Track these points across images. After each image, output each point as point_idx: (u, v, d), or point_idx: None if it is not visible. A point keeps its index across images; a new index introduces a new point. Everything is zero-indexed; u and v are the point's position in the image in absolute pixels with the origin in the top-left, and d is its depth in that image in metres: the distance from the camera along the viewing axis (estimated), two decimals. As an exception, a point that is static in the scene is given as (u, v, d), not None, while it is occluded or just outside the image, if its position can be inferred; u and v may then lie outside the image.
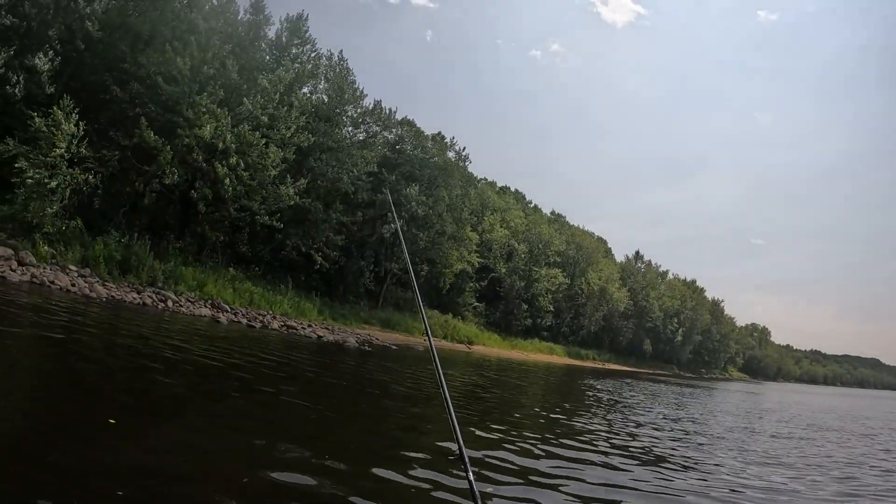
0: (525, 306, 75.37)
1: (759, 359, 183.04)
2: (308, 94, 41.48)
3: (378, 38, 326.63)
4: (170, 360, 13.01)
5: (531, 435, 12.14)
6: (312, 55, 42.88)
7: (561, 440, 12.20)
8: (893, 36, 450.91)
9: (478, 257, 65.38)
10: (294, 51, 41.37)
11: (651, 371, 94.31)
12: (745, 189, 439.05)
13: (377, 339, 37.73)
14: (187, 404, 9.69)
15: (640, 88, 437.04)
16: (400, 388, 17.77)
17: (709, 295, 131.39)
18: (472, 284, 67.73)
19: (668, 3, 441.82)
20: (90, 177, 26.27)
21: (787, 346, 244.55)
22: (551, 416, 17.38)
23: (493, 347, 61.96)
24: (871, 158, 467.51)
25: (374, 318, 45.83)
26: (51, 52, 28.03)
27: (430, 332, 5.62)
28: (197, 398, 10.44)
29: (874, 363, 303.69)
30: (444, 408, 4.33)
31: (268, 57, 38.01)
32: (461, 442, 4.00)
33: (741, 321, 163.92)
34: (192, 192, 31.10)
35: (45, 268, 22.79)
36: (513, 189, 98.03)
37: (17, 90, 26.63)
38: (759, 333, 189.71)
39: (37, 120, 24.53)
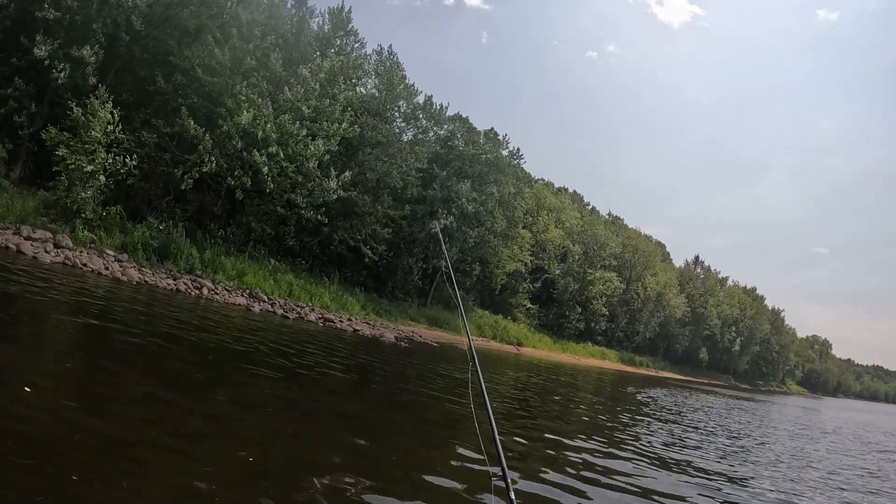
0: (579, 309, 74.39)
1: (819, 372, 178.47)
2: (353, 87, 41.02)
3: (433, 41, 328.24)
4: (154, 339, 12.55)
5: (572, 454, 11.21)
6: (356, 46, 42.74)
7: (604, 462, 11.30)
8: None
9: (531, 257, 64.58)
10: (338, 42, 41.23)
11: (707, 381, 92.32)
12: (807, 195, 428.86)
13: (420, 336, 37.09)
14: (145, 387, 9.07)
15: (697, 89, 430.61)
16: (409, 385, 17.10)
17: (769, 304, 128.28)
18: (525, 285, 67.01)
19: (725, 3, 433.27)
20: (127, 158, 26.20)
21: (849, 360, 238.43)
22: (597, 427, 16.60)
23: (543, 350, 60.96)
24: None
25: (421, 316, 45.28)
26: (96, 45, 28.61)
27: (468, 333, 5.05)
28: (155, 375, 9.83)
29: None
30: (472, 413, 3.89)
31: (310, 49, 37.81)
32: (504, 464, 3.64)
33: (801, 332, 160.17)
34: (230, 179, 30.84)
35: (80, 251, 22.73)
36: (570, 190, 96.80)
37: (60, 77, 27.36)
38: (819, 346, 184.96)
39: (75, 109, 24.80)
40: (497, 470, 3.63)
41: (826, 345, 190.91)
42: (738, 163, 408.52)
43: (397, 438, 9.72)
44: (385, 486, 6.63)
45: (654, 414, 23.34)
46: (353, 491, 6.12)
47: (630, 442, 13.74)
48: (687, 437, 16.69)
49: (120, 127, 26.35)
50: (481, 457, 7.80)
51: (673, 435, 16.89)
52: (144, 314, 16.02)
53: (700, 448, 14.89)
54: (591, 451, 11.35)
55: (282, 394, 10.74)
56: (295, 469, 6.62)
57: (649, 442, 14.25)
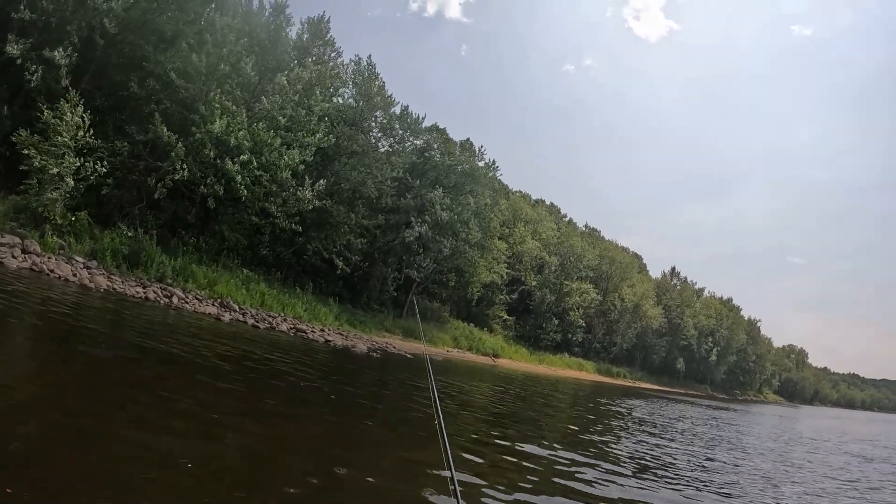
0: (555, 320, 74.47)
1: (796, 381, 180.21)
2: (330, 97, 41.00)
3: (413, 52, 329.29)
4: (103, 344, 12.43)
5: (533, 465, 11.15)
6: (333, 55, 42.79)
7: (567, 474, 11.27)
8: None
9: (507, 269, 64.69)
10: (315, 51, 41.26)
11: (684, 391, 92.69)
12: (784, 206, 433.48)
13: (394, 347, 36.83)
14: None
15: (674, 102, 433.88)
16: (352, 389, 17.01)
17: (745, 314, 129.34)
18: (501, 297, 67.04)
19: (701, 18, 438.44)
20: (97, 164, 25.99)
21: (825, 368, 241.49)
22: (566, 440, 16.59)
23: (519, 361, 60.92)
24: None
25: (396, 327, 45.13)
26: (70, 47, 28.16)
27: (424, 341, 5.01)
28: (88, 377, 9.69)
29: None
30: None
31: (287, 58, 37.55)
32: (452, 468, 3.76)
33: (778, 342, 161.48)
34: (203, 188, 30.68)
35: (48, 257, 22.50)
36: (547, 202, 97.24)
37: (33, 79, 26.88)
38: (796, 355, 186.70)
39: (45, 112, 24.55)
40: (448, 474, 3.69)
41: (802, 354, 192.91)
42: (716, 175, 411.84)
43: (311, 432, 9.64)
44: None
45: (628, 425, 23.40)
46: None
47: (598, 451, 13.73)
48: (659, 447, 16.68)
49: (91, 132, 26.13)
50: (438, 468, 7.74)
51: (644, 444, 16.90)
52: (104, 321, 15.86)
53: (672, 458, 14.90)
54: (559, 461, 11.34)
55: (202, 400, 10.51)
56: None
57: (617, 452, 14.26)
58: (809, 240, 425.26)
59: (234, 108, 30.89)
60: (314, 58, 40.88)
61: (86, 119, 25.73)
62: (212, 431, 8.10)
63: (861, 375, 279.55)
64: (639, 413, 30.66)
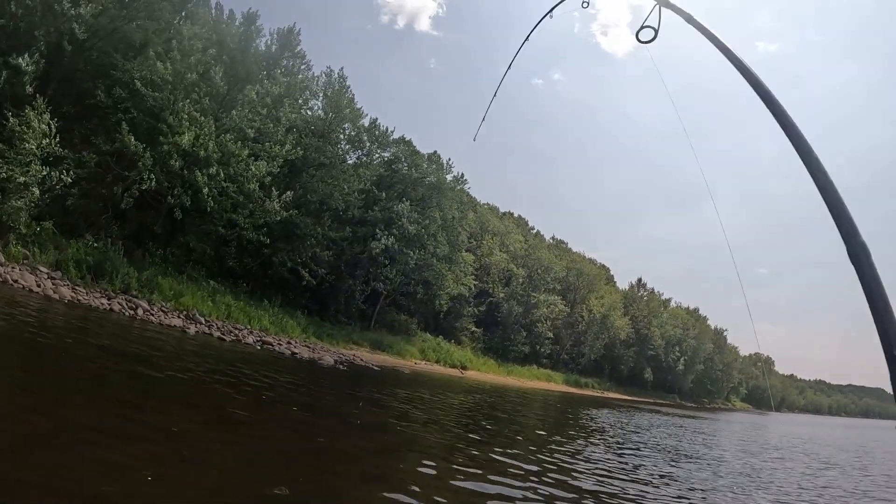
0: (524, 332, 74.59)
1: (763, 389, 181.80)
2: (299, 108, 41.07)
3: (382, 64, 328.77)
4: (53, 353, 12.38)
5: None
6: (303, 68, 42.89)
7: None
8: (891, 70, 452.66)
9: (475, 281, 64.85)
10: (285, 63, 41.30)
11: (652, 400, 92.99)
12: (750, 219, 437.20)
13: (361, 359, 36.76)
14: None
15: (641, 117, 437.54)
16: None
17: (712, 324, 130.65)
18: (469, 309, 67.06)
19: (668, 34, 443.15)
20: (63, 174, 25.76)
21: (792, 375, 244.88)
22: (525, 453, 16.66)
23: (487, 373, 60.96)
24: (873, 189, 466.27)
25: (364, 340, 45.10)
26: (36, 53, 27.86)
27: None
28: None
29: (880, 393, 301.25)
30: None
31: (256, 68, 37.51)
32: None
33: (745, 351, 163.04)
34: (170, 198, 30.58)
35: (12, 267, 22.31)
36: (515, 214, 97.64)
37: None
38: (762, 363, 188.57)
39: (10, 119, 24.32)
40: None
41: (769, 362, 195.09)
42: (684, 188, 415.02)
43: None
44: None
45: (595, 435, 23.42)
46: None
47: (564, 462, 13.73)
48: (626, 457, 16.67)
49: (58, 139, 25.84)
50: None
51: (612, 453, 16.90)
52: (65, 333, 15.75)
53: (633, 468, 14.92)
54: (523, 474, 11.26)
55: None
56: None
57: (577, 463, 14.26)
58: (776, 251, 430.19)
59: (202, 118, 30.83)
60: (283, 69, 40.89)
61: (52, 126, 25.46)
62: (171, 444, 8.09)
63: (827, 382, 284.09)
64: (606, 423, 30.66)
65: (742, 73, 4.50)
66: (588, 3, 7.61)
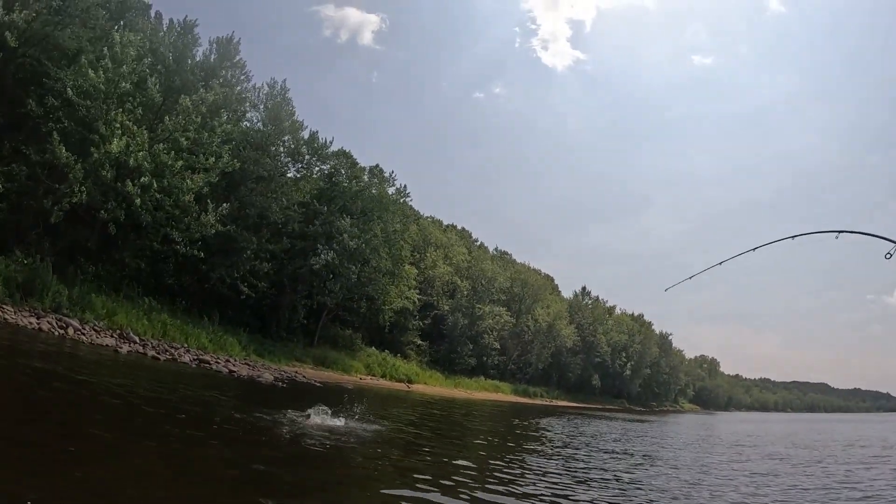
0: (470, 344, 74.53)
1: (710, 389, 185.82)
2: (236, 120, 40.51)
3: (323, 78, 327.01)
4: None
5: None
6: (242, 79, 42.32)
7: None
8: (819, 82, 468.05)
9: (419, 294, 64.75)
10: (224, 73, 40.66)
11: (600, 406, 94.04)
12: (688, 226, 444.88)
13: (304, 376, 36.15)
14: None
15: (581, 129, 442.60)
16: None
17: (657, 328, 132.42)
18: (414, 322, 66.84)
19: (606, 49, 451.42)
20: None
21: (737, 375, 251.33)
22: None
23: (434, 386, 60.77)
24: (802, 198, 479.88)
25: (307, 356, 44.56)
26: None
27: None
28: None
29: (823, 388, 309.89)
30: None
31: (193, 77, 36.67)
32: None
33: (690, 353, 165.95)
34: (103, 212, 29.87)
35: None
36: (458, 227, 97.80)
37: None
38: (708, 364, 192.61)
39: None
40: None
41: (714, 363, 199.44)
42: (623, 198, 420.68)
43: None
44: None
45: (541, 444, 23.34)
46: None
47: (508, 472, 13.58)
48: (575, 464, 16.62)
49: None
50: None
51: (562, 461, 16.84)
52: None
53: (582, 474, 14.86)
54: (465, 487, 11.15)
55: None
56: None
57: (522, 472, 14.21)
58: (713, 256, 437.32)
59: (135, 128, 30.06)
60: (222, 80, 40.14)
61: None
62: (58, 468, 7.80)
63: (772, 379, 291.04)
64: (554, 432, 30.55)
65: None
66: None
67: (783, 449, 31.24)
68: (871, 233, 8.46)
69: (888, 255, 7.58)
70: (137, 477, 8.04)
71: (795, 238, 9.68)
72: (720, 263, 10.82)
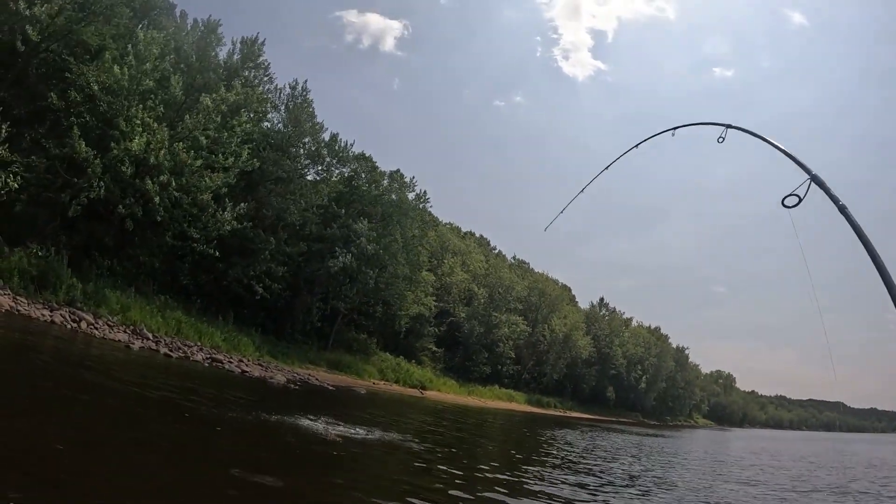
0: (485, 353, 74.10)
1: (725, 405, 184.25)
2: (256, 121, 40.45)
3: (345, 83, 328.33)
4: None
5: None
6: (265, 80, 42.34)
7: None
8: (842, 96, 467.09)
9: (436, 301, 64.48)
10: (246, 73, 40.68)
11: (614, 419, 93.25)
12: (705, 239, 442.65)
13: (316, 379, 35.73)
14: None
15: (599, 139, 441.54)
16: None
17: (673, 342, 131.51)
18: (430, 329, 66.56)
19: (628, 60, 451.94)
20: (10, 179, 24.86)
21: (752, 391, 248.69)
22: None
23: (448, 393, 60.37)
24: (819, 212, 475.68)
25: (321, 359, 44.29)
26: None
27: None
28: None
29: (839, 407, 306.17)
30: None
31: (215, 76, 36.77)
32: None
33: (706, 368, 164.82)
34: (121, 208, 29.79)
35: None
36: (476, 234, 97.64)
37: None
38: (724, 380, 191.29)
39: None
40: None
41: (730, 378, 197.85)
42: (640, 210, 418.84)
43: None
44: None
45: (554, 455, 22.94)
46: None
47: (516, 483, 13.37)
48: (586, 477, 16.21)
49: (7, 144, 24.94)
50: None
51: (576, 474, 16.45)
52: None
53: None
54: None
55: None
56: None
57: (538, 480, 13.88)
58: (731, 270, 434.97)
59: (156, 125, 30.05)
60: (244, 80, 40.13)
61: (3, 129, 24.53)
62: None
63: (788, 397, 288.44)
64: (579, 446, 29.85)
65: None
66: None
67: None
68: (704, 122, 9.42)
69: (720, 139, 8.30)
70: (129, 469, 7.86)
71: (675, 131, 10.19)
72: (606, 168, 11.53)
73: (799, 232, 7.45)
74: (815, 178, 5.79)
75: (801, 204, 5.77)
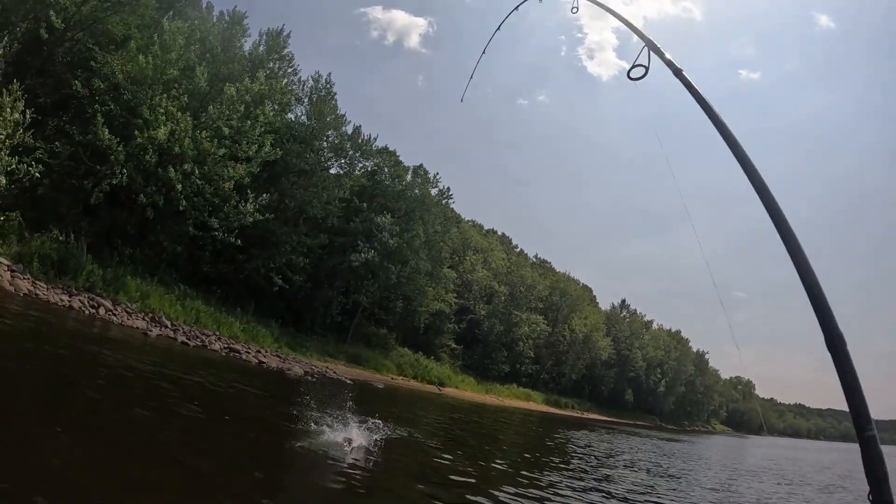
0: (504, 351, 73.76)
1: (743, 412, 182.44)
2: (280, 112, 40.36)
3: (369, 79, 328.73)
4: None
5: None
6: (289, 72, 42.27)
7: None
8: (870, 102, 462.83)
9: (456, 298, 64.15)
10: (271, 65, 40.67)
11: (632, 422, 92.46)
12: (726, 243, 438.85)
13: (334, 372, 35.75)
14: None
15: (622, 141, 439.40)
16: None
17: (693, 346, 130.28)
18: (450, 325, 66.24)
19: (653, 59, 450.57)
20: (32, 166, 24.77)
21: (771, 399, 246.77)
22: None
23: (465, 391, 60.13)
24: (844, 216, 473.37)
25: (340, 353, 44.15)
26: (14, 41, 27.23)
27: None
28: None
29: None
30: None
31: (240, 67, 36.77)
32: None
33: (725, 374, 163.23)
34: (143, 196, 29.76)
35: (-31, 257, 21.43)
36: (499, 232, 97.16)
37: None
38: (743, 386, 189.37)
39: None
40: None
41: (749, 385, 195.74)
42: (661, 212, 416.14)
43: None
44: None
45: (572, 457, 22.65)
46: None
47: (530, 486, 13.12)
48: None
49: (32, 131, 24.78)
50: None
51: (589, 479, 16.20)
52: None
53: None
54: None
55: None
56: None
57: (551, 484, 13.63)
58: (752, 275, 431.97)
59: (180, 114, 30.06)
60: (269, 71, 40.14)
61: (27, 115, 24.34)
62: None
63: (806, 405, 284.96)
64: (598, 452, 29.43)
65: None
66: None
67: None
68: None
69: (573, 10, 7.81)
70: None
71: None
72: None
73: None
74: (650, 44, 5.60)
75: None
